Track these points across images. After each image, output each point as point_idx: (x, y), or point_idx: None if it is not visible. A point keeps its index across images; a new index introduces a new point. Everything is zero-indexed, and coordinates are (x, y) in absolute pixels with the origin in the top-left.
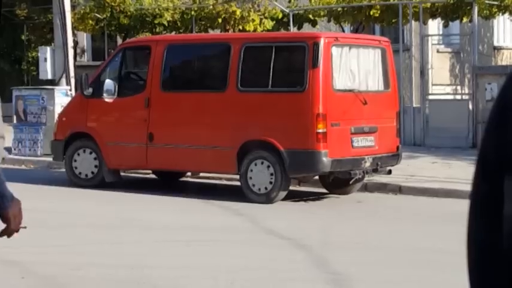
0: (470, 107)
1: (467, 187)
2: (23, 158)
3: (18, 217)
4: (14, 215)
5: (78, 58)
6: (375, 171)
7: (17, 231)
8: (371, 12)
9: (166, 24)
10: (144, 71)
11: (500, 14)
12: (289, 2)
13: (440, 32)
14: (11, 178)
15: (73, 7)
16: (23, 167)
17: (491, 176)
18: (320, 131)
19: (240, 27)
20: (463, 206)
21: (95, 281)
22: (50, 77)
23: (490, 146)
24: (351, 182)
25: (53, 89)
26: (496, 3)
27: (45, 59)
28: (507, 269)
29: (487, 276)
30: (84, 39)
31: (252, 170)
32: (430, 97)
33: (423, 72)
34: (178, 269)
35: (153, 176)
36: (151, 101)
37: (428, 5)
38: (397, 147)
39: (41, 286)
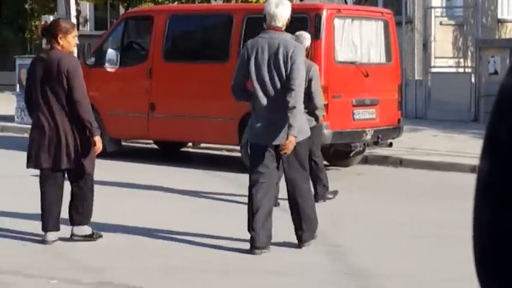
0: (473, 80)
1: (469, 160)
2: (26, 126)
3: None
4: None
5: (80, 27)
6: (376, 143)
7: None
8: None
9: None
10: (146, 41)
11: None
12: None
13: (444, 5)
14: (14, 146)
15: None
16: (26, 135)
17: (502, 159)
18: (322, 102)
19: None
20: (464, 180)
21: (95, 250)
22: None
23: (502, 127)
24: (351, 155)
25: None
26: None
27: None
28: None
29: (498, 266)
30: (87, 8)
31: None
32: (433, 70)
33: (426, 45)
34: (178, 238)
35: (154, 146)
36: (153, 71)
37: None
38: (399, 120)
39: (42, 254)
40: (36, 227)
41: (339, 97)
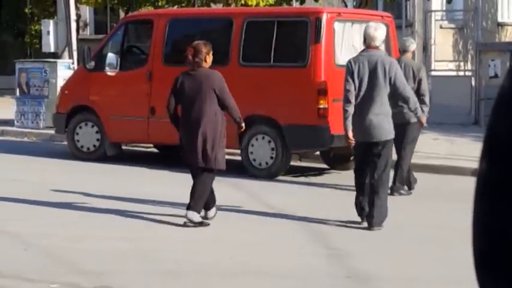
0: (473, 83)
1: (470, 163)
2: (25, 130)
3: None
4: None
5: (80, 31)
6: None
7: None
8: None
9: None
10: (146, 45)
11: None
12: None
13: (444, 8)
14: (13, 150)
15: None
16: (25, 139)
17: (503, 160)
18: (321, 106)
19: (243, 2)
20: (464, 183)
21: (96, 254)
22: (52, 50)
23: (502, 128)
24: (351, 158)
25: (55, 62)
26: None
27: (48, 32)
28: None
29: (496, 267)
30: (86, 12)
31: (253, 145)
32: (433, 73)
33: (426, 48)
34: (179, 242)
35: (154, 149)
36: (153, 75)
37: None
38: None
39: (42, 258)
40: (36, 230)
41: (339, 101)
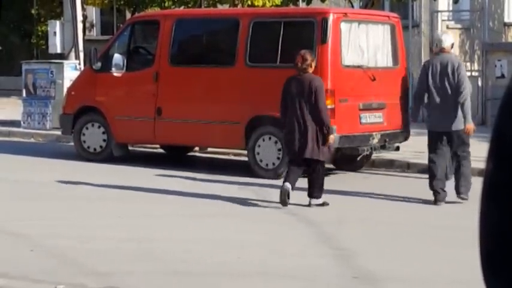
0: (480, 83)
1: (476, 164)
2: (32, 131)
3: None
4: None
5: (87, 32)
6: (383, 147)
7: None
8: None
9: None
10: (153, 46)
11: None
12: None
13: (450, 8)
14: (20, 151)
15: None
16: (32, 140)
17: (510, 161)
18: (328, 106)
19: (249, 3)
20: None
21: (103, 254)
22: (59, 51)
23: (508, 129)
24: (358, 158)
25: (62, 63)
26: None
27: (55, 33)
28: None
29: (503, 267)
30: (93, 13)
31: (259, 146)
32: None
33: (432, 49)
34: (186, 243)
35: (160, 150)
36: (159, 76)
37: None
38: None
39: (49, 259)
40: (43, 231)
41: (345, 101)
